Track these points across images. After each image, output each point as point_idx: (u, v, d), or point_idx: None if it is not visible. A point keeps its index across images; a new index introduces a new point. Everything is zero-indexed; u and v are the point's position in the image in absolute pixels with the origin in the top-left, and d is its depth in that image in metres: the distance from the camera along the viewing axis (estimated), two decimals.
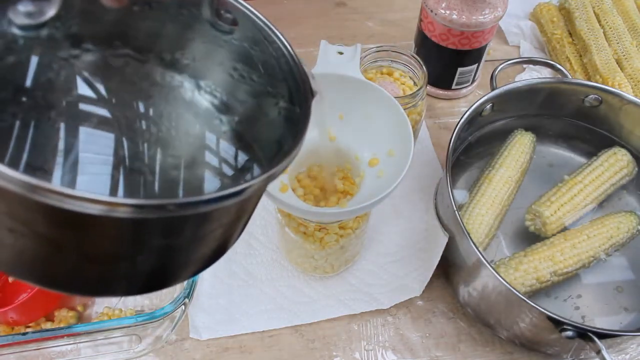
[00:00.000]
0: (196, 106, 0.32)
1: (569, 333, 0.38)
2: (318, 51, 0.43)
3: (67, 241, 0.20)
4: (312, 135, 0.43)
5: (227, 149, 0.31)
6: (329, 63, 0.43)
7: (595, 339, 0.38)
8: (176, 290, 0.48)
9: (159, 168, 0.30)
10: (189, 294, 0.42)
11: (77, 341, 0.41)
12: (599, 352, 0.37)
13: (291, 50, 0.29)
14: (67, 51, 0.28)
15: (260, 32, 0.29)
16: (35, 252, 0.21)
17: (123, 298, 0.49)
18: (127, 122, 0.30)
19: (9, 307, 0.43)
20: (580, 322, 0.42)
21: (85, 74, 0.29)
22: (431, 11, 0.58)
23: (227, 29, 0.30)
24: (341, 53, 0.43)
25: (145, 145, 0.30)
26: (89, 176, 0.28)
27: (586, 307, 0.48)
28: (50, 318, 0.47)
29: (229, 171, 0.31)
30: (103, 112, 0.30)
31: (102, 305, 0.48)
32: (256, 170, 0.30)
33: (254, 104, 0.31)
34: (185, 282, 0.42)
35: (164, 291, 0.49)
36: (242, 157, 0.31)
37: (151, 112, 0.31)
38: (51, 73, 0.28)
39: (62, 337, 0.40)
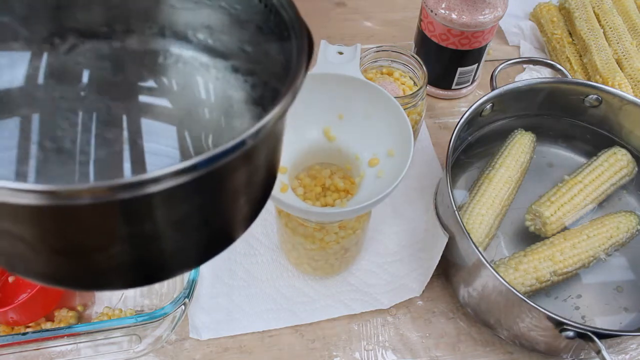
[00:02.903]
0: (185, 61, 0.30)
1: (569, 333, 0.38)
2: (318, 51, 0.43)
3: (29, 235, 0.19)
4: (312, 135, 0.43)
5: (227, 99, 0.29)
6: (329, 63, 0.42)
7: (595, 339, 0.38)
8: (176, 290, 0.48)
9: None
10: (189, 294, 0.42)
11: (77, 341, 0.41)
12: (599, 352, 0.37)
13: None
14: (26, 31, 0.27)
15: None
16: (5, 246, 0.20)
17: (123, 298, 0.49)
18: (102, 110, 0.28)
19: (9, 307, 0.43)
20: (580, 322, 0.42)
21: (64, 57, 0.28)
22: (431, 11, 0.58)
23: None
24: (341, 53, 0.43)
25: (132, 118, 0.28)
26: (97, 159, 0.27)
27: (586, 307, 0.48)
28: (50, 318, 0.47)
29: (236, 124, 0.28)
30: (101, 99, 0.28)
31: (102, 305, 0.48)
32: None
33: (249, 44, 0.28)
34: (185, 282, 0.42)
35: (164, 291, 0.49)
36: (246, 106, 0.29)
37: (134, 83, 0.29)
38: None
39: (62, 337, 0.40)
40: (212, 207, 0.22)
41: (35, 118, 0.27)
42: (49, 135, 0.27)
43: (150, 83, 0.30)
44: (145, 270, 0.23)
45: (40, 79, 0.27)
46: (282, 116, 0.20)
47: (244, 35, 0.28)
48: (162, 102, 0.30)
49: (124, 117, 0.29)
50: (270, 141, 0.23)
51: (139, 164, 0.27)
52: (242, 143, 0.18)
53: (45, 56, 0.28)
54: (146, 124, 0.29)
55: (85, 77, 0.29)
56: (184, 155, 0.27)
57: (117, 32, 0.29)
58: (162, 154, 0.28)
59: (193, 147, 0.28)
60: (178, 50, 0.30)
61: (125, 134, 0.28)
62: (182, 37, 0.29)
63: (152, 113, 0.29)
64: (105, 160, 0.27)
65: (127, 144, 0.28)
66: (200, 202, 0.21)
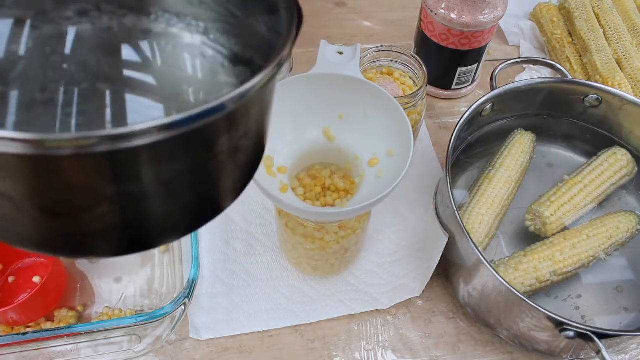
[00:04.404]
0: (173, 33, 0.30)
1: (569, 333, 0.38)
2: (318, 51, 0.43)
3: (15, 192, 0.19)
4: (312, 135, 0.43)
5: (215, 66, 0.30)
6: (329, 63, 0.42)
7: (595, 339, 0.38)
8: (176, 290, 0.48)
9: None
10: (189, 294, 0.42)
11: (77, 341, 0.41)
12: (599, 352, 0.37)
13: None
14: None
15: None
16: None
17: (123, 298, 0.49)
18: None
19: (9, 307, 0.43)
20: (580, 322, 0.42)
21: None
22: (431, 11, 0.58)
23: None
24: (341, 53, 0.43)
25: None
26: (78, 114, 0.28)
27: (586, 307, 0.48)
28: (50, 318, 0.47)
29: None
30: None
31: (102, 305, 0.48)
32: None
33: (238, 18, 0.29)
34: (185, 282, 0.42)
35: (164, 291, 0.49)
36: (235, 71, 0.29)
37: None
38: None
39: (62, 337, 0.40)
40: (198, 169, 0.22)
41: (20, 75, 0.27)
42: (33, 90, 0.27)
43: (141, 44, 0.30)
44: (132, 234, 0.23)
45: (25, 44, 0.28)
46: (267, 84, 0.21)
47: (234, 1, 0.28)
48: (153, 64, 0.30)
49: (115, 78, 0.29)
50: (256, 109, 0.23)
51: (122, 120, 0.27)
52: (223, 106, 0.19)
53: (29, 23, 0.28)
54: (135, 84, 0.29)
55: (75, 36, 0.29)
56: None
57: None
58: (149, 111, 0.29)
59: (179, 108, 0.29)
60: (169, 12, 0.30)
61: (118, 92, 0.29)
62: (173, 0, 0.30)
63: (143, 74, 0.30)
64: (90, 116, 0.27)
65: (117, 100, 0.28)
66: (186, 163, 0.21)
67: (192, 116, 0.18)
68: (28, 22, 0.27)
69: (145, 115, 0.29)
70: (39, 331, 0.43)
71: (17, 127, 0.27)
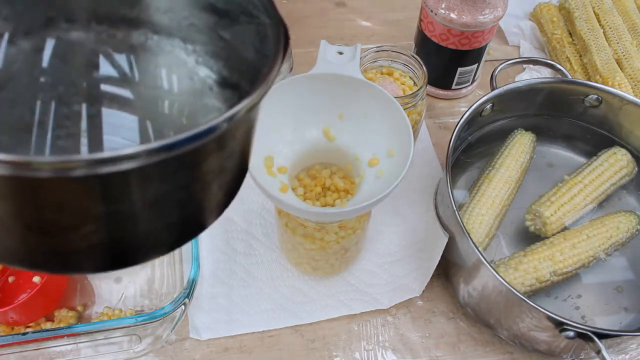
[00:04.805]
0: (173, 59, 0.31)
1: (569, 333, 0.38)
2: (318, 51, 0.43)
3: (3, 209, 0.19)
4: (312, 135, 0.43)
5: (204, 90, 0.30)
6: (329, 63, 0.42)
7: (595, 339, 0.38)
8: (176, 290, 0.48)
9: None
10: (189, 294, 0.42)
11: (77, 341, 0.41)
12: (599, 352, 0.38)
13: None
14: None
15: None
16: None
17: (123, 298, 0.49)
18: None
19: (9, 307, 0.43)
20: (580, 322, 0.42)
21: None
22: (431, 11, 0.58)
23: None
24: (341, 53, 0.43)
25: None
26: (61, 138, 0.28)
27: (586, 307, 0.48)
28: (50, 318, 0.47)
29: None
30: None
31: (102, 305, 0.48)
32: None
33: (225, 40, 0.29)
34: (185, 282, 0.42)
35: (164, 291, 0.49)
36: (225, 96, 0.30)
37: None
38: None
39: (62, 337, 0.40)
40: (182, 190, 0.22)
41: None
42: (20, 110, 0.28)
43: (129, 64, 0.30)
44: (117, 252, 0.23)
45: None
46: (255, 105, 0.21)
47: (222, 23, 0.29)
48: (139, 84, 0.30)
49: (100, 97, 0.30)
50: (241, 131, 0.24)
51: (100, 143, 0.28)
52: (207, 131, 0.19)
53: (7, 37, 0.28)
54: (122, 103, 0.30)
55: (62, 54, 0.29)
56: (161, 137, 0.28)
57: (100, 15, 0.29)
58: (133, 132, 0.30)
59: (168, 129, 0.29)
60: (159, 34, 0.30)
61: (100, 112, 0.29)
62: (163, 22, 0.30)
63: (130, 93, 0.30)
64: (72, 138, 0.28)
65: (98, 121, 0.29)
66: (170, 184, 0.21)
67: (174, 142, 0.18)
68: (7, 37, 0.28)
69: (130, 135, 0.30)
70: (39, 331, 0.43)
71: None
